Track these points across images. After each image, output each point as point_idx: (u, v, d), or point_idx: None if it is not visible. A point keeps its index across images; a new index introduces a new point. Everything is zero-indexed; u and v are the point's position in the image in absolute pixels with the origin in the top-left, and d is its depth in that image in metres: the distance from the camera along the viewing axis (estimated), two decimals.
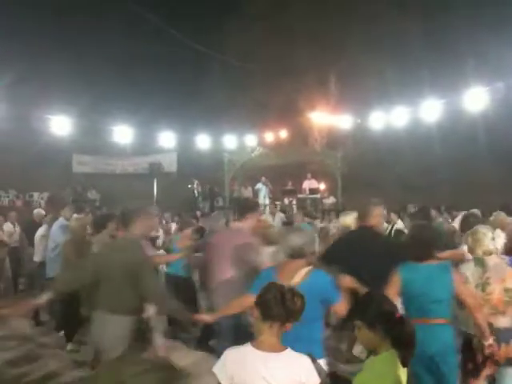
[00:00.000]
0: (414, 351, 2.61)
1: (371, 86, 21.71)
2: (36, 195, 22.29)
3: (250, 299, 3.31)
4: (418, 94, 16.47)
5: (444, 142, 19.44)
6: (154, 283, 4.16)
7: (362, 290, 3.82)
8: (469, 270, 4.29)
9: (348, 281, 4.02)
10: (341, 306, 3.47)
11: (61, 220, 7.55)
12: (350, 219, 6.11)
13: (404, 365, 2.61)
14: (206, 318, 4.01)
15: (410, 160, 21.26)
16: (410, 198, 15.74)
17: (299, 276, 3.47)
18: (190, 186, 21.28)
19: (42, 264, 7.69)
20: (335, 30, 22.11)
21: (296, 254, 3.60)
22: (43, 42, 22.78)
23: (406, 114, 16.21)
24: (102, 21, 24.13)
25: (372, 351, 2.69)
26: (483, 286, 4.18)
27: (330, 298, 3.49)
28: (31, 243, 8.70)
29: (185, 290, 6.59)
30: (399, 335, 2.61)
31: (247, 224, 5.02)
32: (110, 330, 3.91)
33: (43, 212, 10.24)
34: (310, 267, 3.55)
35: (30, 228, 9.46)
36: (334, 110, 23.19)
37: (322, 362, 3.39)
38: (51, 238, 7.44)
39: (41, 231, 8.19)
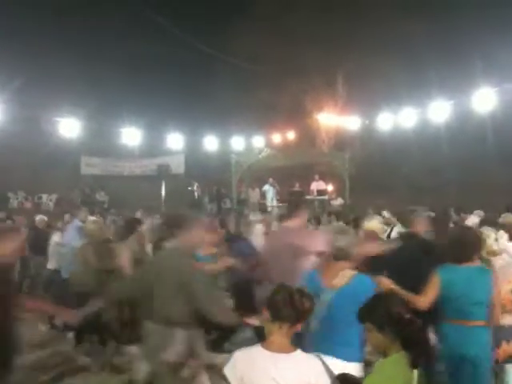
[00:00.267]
0: (430, 353, 2.61)
1: (379, 87, 21.66)
2: (45, 197, 22.44)
3: None
4: (426, 94, 16.41)
5: (452, 142, 19.38)
6: (210, 295, 3.88)
7: (403, 293, 3.82)
8: None
9: (387, 283, 3.97)
10: None
11: (76, 222, 7.48)
12: (374, 224, 6.15)
13: (414, 366, 2.61)
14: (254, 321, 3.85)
15: (418, 161, 21.20)
16: (417, 199, 15.71)
17: (342, 278, 3.45)
18: (189, 188, 21.27)
19: (56, 271, 7.63)
20: (343, 31, 22.07)
21: (340, 255, 3.56)
22: (52, 45, 22.93)
23: (414, 115, 16.17)
24: (110, 23, 24.25)
25: (382, 353, 2.70)
26: None
27: None
28: (35, 251, 8.63)
29: None
30: (409, 337, 2.61)
31: (297, 222, 4.93)
32: (163, 342, 3.76)
33: (45, 218, 10.13)
34: (355, 271, 3.52)
35: (33, 236, 9.20)
36: (342, 111, 23.18)
37: (358, 367, 3.37)
38: (66, 241, 7.34)
39: (55, 238, 8.01)
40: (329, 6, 22.96)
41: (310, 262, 4.45)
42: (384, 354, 2.67)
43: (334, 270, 3.52)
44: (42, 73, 21.26)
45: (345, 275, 3.46)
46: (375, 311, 2.68)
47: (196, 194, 21.20)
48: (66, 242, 7.38)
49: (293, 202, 5.47)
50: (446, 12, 21.60)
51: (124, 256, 5.56)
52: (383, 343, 2.64)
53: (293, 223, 4.95)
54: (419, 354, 2.63)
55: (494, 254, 4.36)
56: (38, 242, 8.45)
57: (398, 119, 16.87)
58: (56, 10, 23.68)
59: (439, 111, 14.99)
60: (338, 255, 3.58)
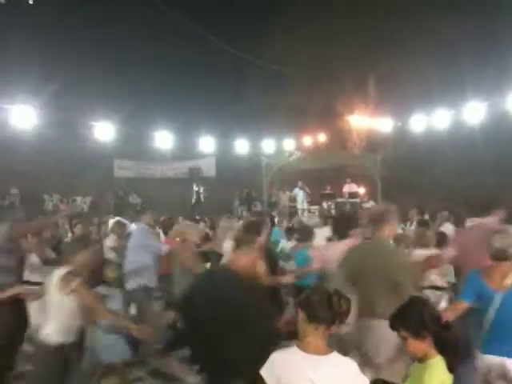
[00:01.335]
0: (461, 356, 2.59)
1: (412, 89, 21.35)
2: (79, 199, 22.86)
3: (463, 305, 3.50)
4: (460, 96, 16.16)
5: (487, 144, 18.96)
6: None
7: None
8: None
9: None
10: None
11: (142, 227, 7.10)
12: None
13: (451, 371, 2.59)
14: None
15: (452, 162, 20.81)
16: (450, 201, 15.43)
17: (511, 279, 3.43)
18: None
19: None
20: (375, 33, 21.86)
21: (500, 256, 3.52)
22: (87, 51, 23.43)
23: (448, 117, 15.94)
24: (143, 29, 24.65)
25: (419, 359, 2.67)
26: None
27: None
28: None
29: None
30: (446, 341, 2.59)
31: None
32: (375, 335, 3.66)
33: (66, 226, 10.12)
34: None
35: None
36: (374, 113, 22.95)
37: None
38: (139, 247, 6.80)
39: (109, 243, 7.62)
40: (360, 8, 22.78)
41: None
42: (420, 359, 2.66)
43: (499, 272, 3.48)
44: (78, 78, 21.76)
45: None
46: (409, 318, 2.66)
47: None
48: (134, 246, 6.91)
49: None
50: (480, 12, 21.19)
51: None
52: (420, 349, 2.63)
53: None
54: (456, 358, 2.61)
55: None
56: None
57: (431, 121, 16.65)
58: (90, 16, 24.20)
59: (474, 112, 14.76)
60: (496, 256, 3.54)
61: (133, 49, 24.58)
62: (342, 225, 5.02)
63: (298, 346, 2.58)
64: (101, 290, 4.72)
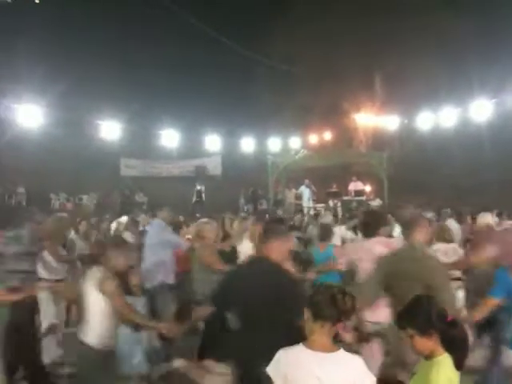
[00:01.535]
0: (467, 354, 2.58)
1: (418, 87, 21.30)
2: (85, 198, 22.93)
3: (493, 302, 3.62)
4: (467, 93, 16.10)
5: (494, 141, 18.88)
6: (451, 297, 3.77)
7: None
8: None
9: None
10: None
11: (159, 222, 6.90)
12: (488, 218, 6.31)
13: (458, 368, 2.58)
14: None
15: (459, 160, 20.72)
16: (457, 199, 15.38)
17: None
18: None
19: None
20: (381, 31, 21.80)
21: None
22: (94, 50, 23.52)
23: (455, 114, 15.89)
24: (150, 29, 24.74)
25: (426, 356, 2.66)
26: None
27: None
28: None
29: None
30: (453, 339, 2.58)
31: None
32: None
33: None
34: None
35: None
36: (380, 111, 22.90)
37: None
38: (158, 243, 6.66)
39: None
40: (367, 8, 22.73)
41: None
42: (427, 356, 2.65)
43: None
44: (84, 77, 21.82)
45: None
46: (415, 316, 2.65)
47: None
48: (152, 243, 6.77)
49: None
50: (486, 10, 21.10)
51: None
52: (427, 347, 2.62)
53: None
54: (463, 356, 2.60)
55: None
56: None
57: (438, 118, 16.61)
58: (96, 16, 24.27)
59: (481, 110, 14.70)
60: None
61: (139, 48, 24.66)
62: (370, 223, 4.90)
63: (304, 344, 2.57)
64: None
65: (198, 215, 14.70)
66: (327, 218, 8.80)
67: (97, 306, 3.88)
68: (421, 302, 2.72)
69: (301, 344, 2.58)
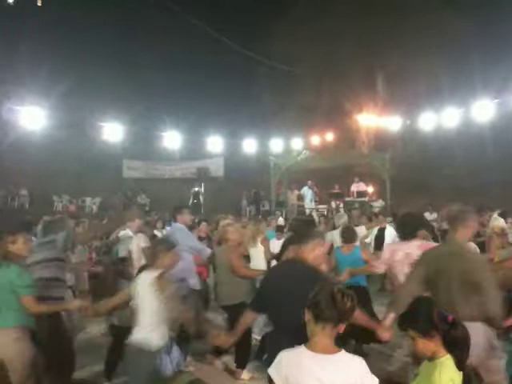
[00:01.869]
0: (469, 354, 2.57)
1: (421, 87, 21.30)
2: (88, 200, 22.99)
3: None
4: (469, 94, 16.07)
5: (497, 142, 18.86)
6: (497, 295, 3.68)
7: None
8: None
9: None
10: None
11: (180, 227, 6.49)
12: (502, 222, 6.50)
13: (460, 368, 2.57)
14: None
15: (461, 161, 20.71)
16: (460, 200, 15.32)
17: None
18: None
19: None
20: (383, 31, 21.78)
21: None
22: (96, 52, 23.58)
23: (457, 115, 15.85)
24: (152, 30, 24.77)
25: (428, 358, 2.66)
26: None
27: None
28: None
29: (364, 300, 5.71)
30: (454, 339, 2.58)
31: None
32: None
33: None
34: None
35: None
36: (382, 112, 22.86)
37: None
38: (182, 249, 5.88)
39: (141, 242, 6.52)
40: (368, 7, 22.72)
41: None
42: (429, 358, 2.64)
43: None
44: (87, 79, 21.88)
45: None
46: (416, 318, 2.65)
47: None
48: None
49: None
50: (489, 10, 21.08)
51: None
52: (429, 348, 2.61)
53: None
54: (465, 356, 2.59)
55: None
56: None
57: (440, 119, 16.57)
58: (99, 17, 24.32)
59: (483, 110, 14.66)
60: None
61: (142, 50, 24.72)
62: (409, 225, 4.86)
63: (305, 346, 2.57)
64: None
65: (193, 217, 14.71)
66: (343, 219, 8.67)
67: (156, 308, 3.85)
68: (421, 304, 2.72)
69: (302, 346, 2.58)
